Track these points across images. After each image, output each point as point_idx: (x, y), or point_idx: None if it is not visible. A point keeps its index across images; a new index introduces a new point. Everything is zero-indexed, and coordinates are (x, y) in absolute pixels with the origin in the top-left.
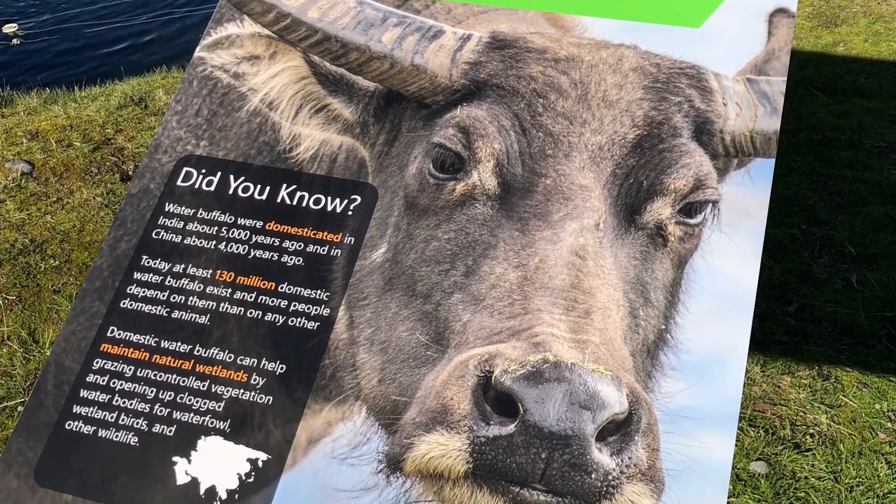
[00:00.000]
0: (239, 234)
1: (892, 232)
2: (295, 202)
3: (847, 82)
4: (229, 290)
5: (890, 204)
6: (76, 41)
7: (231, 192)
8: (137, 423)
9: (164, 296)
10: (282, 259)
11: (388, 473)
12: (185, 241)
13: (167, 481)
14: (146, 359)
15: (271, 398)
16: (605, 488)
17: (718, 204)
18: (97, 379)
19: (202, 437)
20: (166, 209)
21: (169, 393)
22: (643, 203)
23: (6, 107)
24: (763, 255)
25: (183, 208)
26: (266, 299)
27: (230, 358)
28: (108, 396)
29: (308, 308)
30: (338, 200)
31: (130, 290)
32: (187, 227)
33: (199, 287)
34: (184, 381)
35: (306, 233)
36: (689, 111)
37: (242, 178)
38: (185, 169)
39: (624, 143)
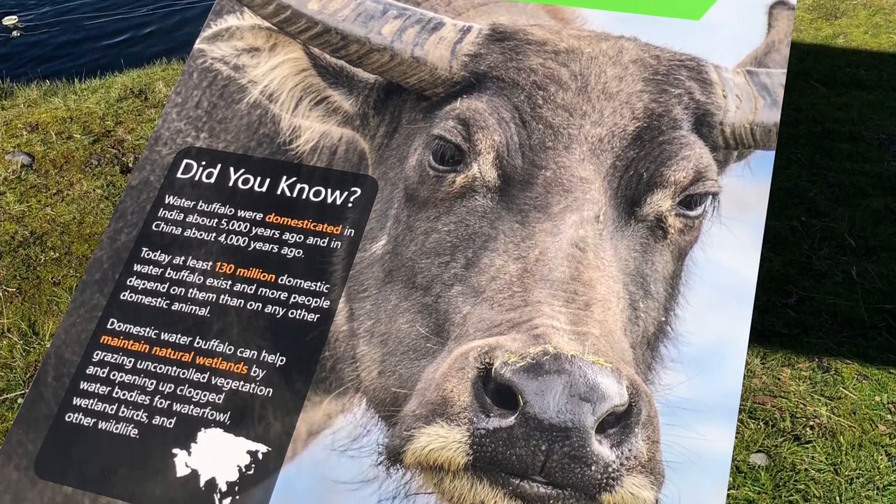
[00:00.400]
0: (239, 227)
1: (892, 224)
2: (295, 194)
3: (847, 74)
4: (229, 283)
5: (890, 196)
6: (76, 33)
7: (231, 184)
8: (137, 415)
9: (164, 288)
10: (282, 251)
11: (388, 465)
12: (185, 234)
13: (167, 473)
14: (146, 351)
15: (271, 390)
16: (605, 480)
17: (718, 196)
18: (97, 371)
19: (202, 429)
20: (166, 201)
21: (169, 385)
22: (643, 195)
23: (6, 99)
24: (763, 248)
25: (183, 200)
26: (266, 291)
27: (230, 350)
28: (108, 388)
29: (308, 300)
30: (338, 192)
31: (130, 282)
32: (187, 220)
33: (200, 279)
34: (184, 374)
35: (306, 225)
36: (689, 103)
37: (242, 171)
38: (185, 161)
39: (624, 135)
